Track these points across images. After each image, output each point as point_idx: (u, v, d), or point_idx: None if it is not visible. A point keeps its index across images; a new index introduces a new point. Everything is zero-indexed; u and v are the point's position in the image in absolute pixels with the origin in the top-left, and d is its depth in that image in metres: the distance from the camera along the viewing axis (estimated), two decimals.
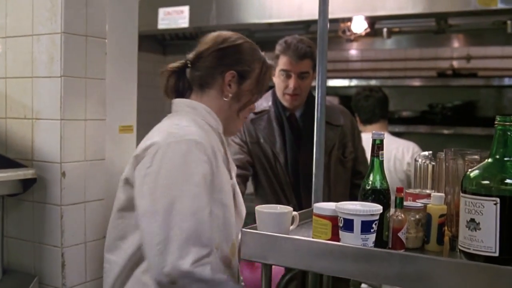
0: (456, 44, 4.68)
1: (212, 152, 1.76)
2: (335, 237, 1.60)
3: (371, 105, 3.62)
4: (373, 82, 4.73)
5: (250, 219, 2.88)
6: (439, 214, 1.65)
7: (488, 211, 1.40)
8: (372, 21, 3.95)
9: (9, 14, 2.07)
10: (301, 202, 2.75)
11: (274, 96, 2.87)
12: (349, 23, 3.96)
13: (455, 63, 4.73)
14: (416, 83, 4.62)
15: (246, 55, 1.90)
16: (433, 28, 4.35)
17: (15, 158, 2.04)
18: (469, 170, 1.49)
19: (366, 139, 3.16)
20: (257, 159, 2.82)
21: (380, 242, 1.60)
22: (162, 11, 4.30)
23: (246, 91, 1.91)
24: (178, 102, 1.93)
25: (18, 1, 2.05)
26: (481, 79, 4.39)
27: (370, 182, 1.65)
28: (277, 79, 2.80)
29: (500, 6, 3.26)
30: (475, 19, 4.05)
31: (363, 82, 4.77)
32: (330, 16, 3.64)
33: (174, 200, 1.65)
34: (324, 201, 2.11)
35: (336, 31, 4.14)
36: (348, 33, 4.01)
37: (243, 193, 2.77)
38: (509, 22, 3.83)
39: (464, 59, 4.71)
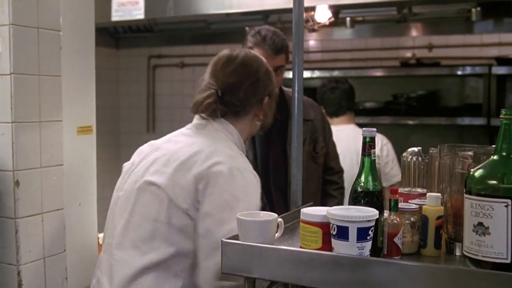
0: (418, 33, 4.62)
1: None
2: (327, 245, 1.45)
3: (337, 97, 3.51)
4: (335, 73, 4.61)
5: None
6: (436, 216, 1.53)
7: (498, 214, 1.27)
8: (336, 10, 3.83)
9: None
10: (272, 200, 2.62)
11: None
12: (312, 13, 3.82)
13: (417, 52, 4.66)
14: (379, 73, 4.52)
15: (270, 77, 1.99)
16: (395, 17, 4.28)
17: None
18: (473, 169, 1.36)
19: (334, 132, 3.06)
20: None
21: (374, 248, 1.46)
22: (115, 2, 4.08)
23: (271, 106, 2.01)
24: (218, 124, 1.91)
25: None
26: (444, 68, 4.33)
27: (362, 184, 1.51)
28: None
29: None
30: (440, 7, 3.99)
31: (325, 74, 4.64)
32: (292, 5, 3.54)
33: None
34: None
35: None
36: (311, 23, 3.87)
37: None
38: (473, 10, 3.77)
39: (426, 48, 4.64)
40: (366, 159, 1.52)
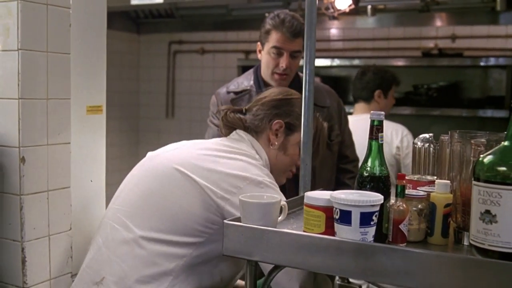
0: (441, 23, 4.54)
1: None
2: (330, 230, 1.42)
3: (366, 82, 3.40)
4: (356, 62, 4.56)
5: None
6: (445, 203, 1.49)
7: (507, 202, 1.23)
8: None
9: None
10: (284, 187, 2.58)
11: (256, 74, 2.67)
12: (332, 0, 3.77)
13: (440, 43, 4.58)
14: (400, 63, 4.45)
15: (297, 108, 1.95)
16: (418, 6, 4.20)
17: None
18: (482, 155, 1.31)
19: (359, 120, 3.01)
20: None
21: (379, 235, 1.42)
22: None
23: (293, 144, 1.97)
24: (251, 140, 1.97)
25: None
26: (467, 59, 4.25)
27: (368, 168, 1.47)
28: (267, 56, 2.59)
29: None
30: None
31: (346, 62, 4.60)
32: None
33: None
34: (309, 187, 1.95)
35: (319, 8, 3.95)
36: (331, 10, 3.81)
37: None
38: (498, 0, 3.68)
39: (449, 38, 4.56)
40: (374, 142, 1.48)
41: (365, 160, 1.48)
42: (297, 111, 1.95)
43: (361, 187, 1.46)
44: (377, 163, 1.47)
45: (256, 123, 1.96)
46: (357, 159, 2.87)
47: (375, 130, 1.47)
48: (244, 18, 5.13)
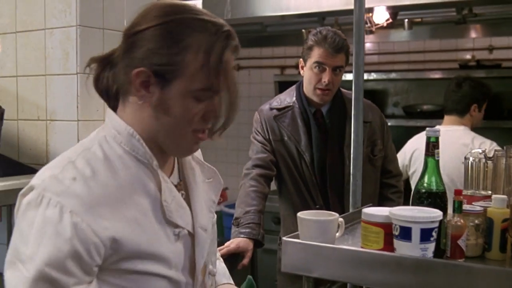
0: (477, 34, 4.51)
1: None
2: (388, 246, 1.44)
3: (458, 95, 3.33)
4: (392, 75, 4.56)
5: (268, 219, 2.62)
6: (502, 218, 1.49)
7: None
8: (394, 11, 3.78)
9: (18, 7, 1.92)
10: (328, 203, 2.60)
11: (299, 90, 2.68)
12: (370, 14, 3.79)
13: (477, 54, 4.55)
14: (438, 75, 4.43)
15: (159, 43, 1.21)
16: (454, 18, 4.19)
17: (28, 163, 1.89)
18: None
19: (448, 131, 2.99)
20: (281, 158, 2.66)
21: (437, 250, 1.44)
22: None
23: (176, 97, 1.22)
24: (108, 116, 1.31)
25: None
26: (505, 70, 4.21)
27: (425, 185, 1.49)
28: (309, 72, 2.59)
29: None
30: (501, 8, 3.87)
31: (382, 76, 4.59)
32: (351, 7, 3.51)
33: None
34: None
35: None
36: (368, 25, 3.83)
37: (266, 193, 2.62)
38: None
39: (486, 49, 4.52)
40: (430, 159, 1.50)
41: (422, 176, 1.50)
42: (161, 47, 1.20)
43: (418, 203, 1.48)
44: (433, 179, 1.49)
45: (116, 80, 1.27)
46: (400, 174, 2.87)
47: (431, 146, 1.49)
48: (279, 34, 5.16)
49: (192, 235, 1.34)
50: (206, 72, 1.21)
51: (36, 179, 1.21)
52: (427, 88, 4.65)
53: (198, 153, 1.45)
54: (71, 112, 1.81)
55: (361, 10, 1.92)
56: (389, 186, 2.78)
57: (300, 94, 2.68)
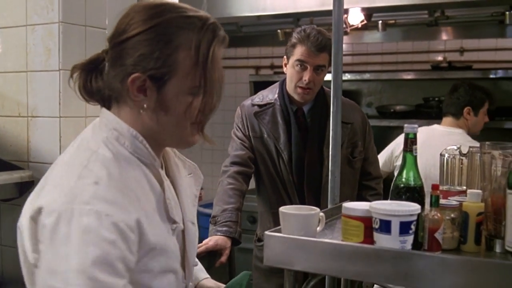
0: (449, 36, 4.61)
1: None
2: (368, 239, 1.47)
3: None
4: (366, 76, 4.63)
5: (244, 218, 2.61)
6: (477, 212, 1.54)
7: None
8: (369, 13, 3.85)
9: None
10: (304, 202, 2.61)
11: (282, 88, 2.68)
12: (345, 15, 3.84)
13: (449, 56, 4.65)
14: (410, 76, 4.52)
15: (151, 47, 1.23)
16: (426, 20, 4.28)
17: (9, 159, 1.89)
18: None
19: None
20: (259, 155, 2.67)
21: (415, 243, 1.48)
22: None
23: (173, 96, 1.25)
24: (104, 116, 1.31)
25: None
26: (476, 71, 4.31)
27: (403, 180, 1.53)
28: (291, 70, 2.59)
29: None
30: (472, 11, 3.97)
31: (356, 76, 4.66)
32: (327, 7, 3.56)
33: None
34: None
35: (331, 24, 4.03)
36: (343, 26, 3.88)
37: (244, 191, 2.61)
38: (507, 13, 3.76)
39: (457, 51, 4.63)
40: (408, 155, 1.54)
41: (400, 172, 1.54)
42: (155, 51, 1.22)
43: (397, 197, 1.52)
44: (411, 174, 1.53)
45: (112, 86, 1.27)
46: (380, 176, 2.87)
47: (409, 142, 1.53)
48: (254, 35, 5.20)
49: (182, 229, 1.39)
50: (199, 68, 1.23)
51: (48, 198, 1.18)
52: (400, 89, 4.74)
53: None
54: (53, 109, 1.81)
55: (340, 10, 1.96)
56: (368, 188, 2.78)
57: (282, 91, 2.67)
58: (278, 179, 2.66)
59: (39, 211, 1.16)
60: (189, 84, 1.24)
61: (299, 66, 2.55)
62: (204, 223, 2.99)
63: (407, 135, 1.54)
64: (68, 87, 1.78)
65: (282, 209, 1.56)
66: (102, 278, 1.11)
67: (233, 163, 2.61)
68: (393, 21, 4.22)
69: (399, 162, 3.39)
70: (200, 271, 1.73)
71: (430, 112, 4.35)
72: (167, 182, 1.35)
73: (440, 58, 4.69)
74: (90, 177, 1.18)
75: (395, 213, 1.40)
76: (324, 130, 2.61)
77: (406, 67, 4.75)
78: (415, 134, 1.54)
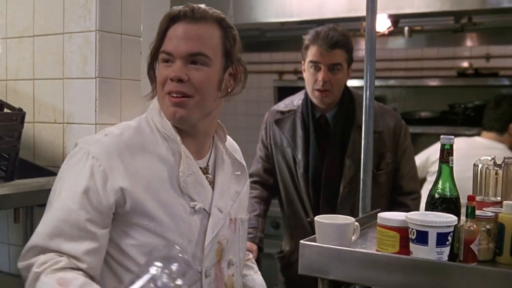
0: (474, 43, 4.58)
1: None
2: (404, 249, 1.48)
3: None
4: (391, 82, 4.62)
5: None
6: None
7: None
8: (396, 19, 3.84)
9: (36, 11, 1.95)
10: (319, 210, 2.43)
11: (307, 94, 2.50)
12: None
13: (474, 62, 4.62)
14: (435, 83, 4.49)
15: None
16: (452, 26, 4.25)
17: (45, 165, 1.92)
18: None
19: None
20: (278, 165, 2.55)
21: (450, 254, 1.48)
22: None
23: (158, 63, 1.53)
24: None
25: None
26: (503, 78, 4.28)
27: (439, 190, 1.53)
28: (307, 73, 2.43)
29: None
30: (500, 17, 3.94)
31: (381, 83, 4.65)
32: (354, 14, 3.55)
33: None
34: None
35: (357, 30, 4.04)
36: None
37: (265, 197, 2.53)
38: None
39: (483, 58, 4.59)
40: (444, 166, 1.54)
41: (436, 182, 1.54)
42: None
43: (432, 208, 1.52)
44: (447, 185, 1.53)
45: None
46: (414, 192, 2.56)
47: (446, 153, 1.53)
48: (278, 40, 5.21)
49: (208, 214, 1.52)
50: (158, 36, 1.52)
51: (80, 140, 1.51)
52: (425, 95, 4.71)
53: (234, 149, 1.68)
54: (88, 115, 1.83)
55: (373, 19, 1.97)
56: (398, 204, 2.48)
57: (307, 97, 2.51)
58: (294, 191, 2.52)
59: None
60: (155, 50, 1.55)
61: (312, 67, 2.39)
62: None
63: (443, 146, 1.54)
64: (104, 94, 1.83)
65: (318, 218, 1.56)
66: (68, 205, 1.41)
67: (250, 175, 2.41)
68: (419, 28, 4.20)
69: (433, 168, 3.37)
70: (258, 286, 1.82)
71: (456, 119, 4.32)
72: (188, 159, 1.51)
73: (465, 64, 4.66)
74: (105, 132, 1.50)
75: (432, 224, 1.40)
76: (347, 138, 2.43)
77: (431, 73, 4.73)
78: (451, 145, 1.54)
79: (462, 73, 4.47)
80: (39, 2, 1.94)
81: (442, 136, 1.55)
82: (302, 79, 4.89)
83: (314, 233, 2.15)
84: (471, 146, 3.29)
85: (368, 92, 1.96)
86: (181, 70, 1.44)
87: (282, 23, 4.23)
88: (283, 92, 4.82)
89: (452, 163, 1.54)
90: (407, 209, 2.33)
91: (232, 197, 1.62)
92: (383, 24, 3.85)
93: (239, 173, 1.66)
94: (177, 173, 1.48)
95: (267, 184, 2.59)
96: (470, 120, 4.25)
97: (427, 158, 3.43)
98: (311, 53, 2.39)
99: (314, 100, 2.45)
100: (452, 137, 1.55)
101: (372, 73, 1.96)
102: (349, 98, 2.49)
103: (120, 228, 1.45)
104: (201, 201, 1.51)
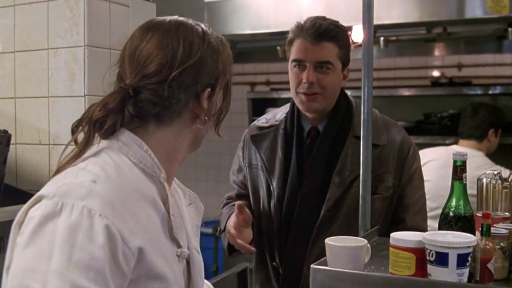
0: (446, 52, 4.62)
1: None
2: (420, 271, 1.42)
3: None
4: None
5: None
6: None
7: None
8: (374, 29, 3.81)
9: (17, 25, 1.84)
10: (282, 261, 2.04)
11: (294, 104, 2.07)
12: (349, 32, 3.80)
13: (447, 72, 4.65)
14: (410, 92, 4.50)
15: (215, 55, 1.32)
16: (423, 36, 4.27)
17: (28, 189, 1.80)
18: None
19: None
20: (252, 190, 2.12)
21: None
22: None
23: (216, 102, 1.33)
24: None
25: (29, 11, 1.81)
26: (476, 87, 4.31)
27: (453, 208, 1.48)
28: (290, 74, 2.00)
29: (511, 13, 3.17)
30: (474, 27, 3.98)
31: (353, 93, 4.62)
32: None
33: None
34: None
35: None
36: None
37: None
38: (510, 29, 3.76)
39: (455, 67, 4.63)
40: (457, 183, 1.49)
41: (449, 200, 1.49)
42: (214, 58, 1.31)
43: (447, 227, 1.47)
44: (461, 203, 1.48)
45: (169, 107, 1.24)
46: (419, 230, 1.66)
47: (459, 170, 1.49)
48: (249, 51, 5.16)
49: (187, 257, 1.31)
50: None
51: (47, 189, 1.11)
52: (400, 105, 4.71)
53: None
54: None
55: (370, 32, 1.92)
56: None
57: (293, 107, 2.07)
58: (265, 226, 2.07)
59: (31, 203, 1.10)
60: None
61: (296, 66, 1.96)
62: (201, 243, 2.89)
63: (455, 162, 1.49)
64: None
65: (328, 240, 1.49)
66: (82, 284, 1.02)
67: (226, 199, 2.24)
68: (395, 38, 4.20)
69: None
70: None
71: (431, 129, 4.32)
72: (173, 199, 1.27)
73: (438, 74, 4.68)
74: (88, 176, 1.12)
75: (452, 245, 1.34)
76: (339, 152, 2.00)
77: (404, 83, 4.74)
78: (463, 162, 1.50)
79: (436, 82, 4.49)
80: (20, 15, 1.83)
81: (454, 152, 1.50)
82: (276, 90, 4.90)
83: (277, 280, 2.03)
84: (451, 155, 3.28)
85: (366, 106, 1.90)
86: None
87: (253, 35, 4.19)
88: (258, 104, 4.76)
89: (466, 180, 1.49)
90: None
91: (196, 233, 1.40)
92: (360, 34, 3.82)
93: (192, 205, 1.41)
94: (167, 217, 1.23)
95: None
96: (446, 129, 4.26)
97: None
98: (295, 49, 1.97)
99: (300, 107, 2.01)
100: (465, 152, 1.51)
101: (370, 86, 1.91)
102: (346, 105, 2.08)
103: None
104: (184, 245, 1.29)
